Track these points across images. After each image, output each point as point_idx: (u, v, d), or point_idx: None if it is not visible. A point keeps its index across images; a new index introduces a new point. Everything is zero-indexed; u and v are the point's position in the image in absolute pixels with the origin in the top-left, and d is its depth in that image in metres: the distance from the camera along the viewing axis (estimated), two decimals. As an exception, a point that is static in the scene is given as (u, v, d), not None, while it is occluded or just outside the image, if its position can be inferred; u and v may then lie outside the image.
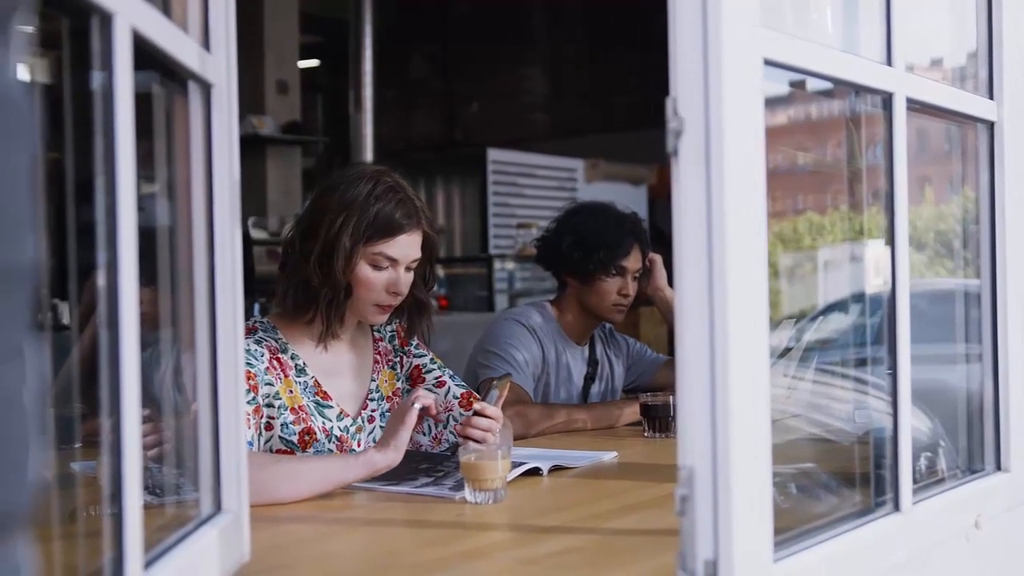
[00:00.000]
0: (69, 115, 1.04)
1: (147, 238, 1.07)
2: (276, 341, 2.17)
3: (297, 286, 2.15)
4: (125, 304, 0.99)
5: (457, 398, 2.30)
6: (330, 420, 2.17)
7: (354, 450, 2.19)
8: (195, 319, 1.33)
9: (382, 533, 1.69)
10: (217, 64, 1.33)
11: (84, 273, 1.06)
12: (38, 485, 0.58)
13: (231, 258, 1.35)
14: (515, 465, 1.99)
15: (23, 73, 0.59)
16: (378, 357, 2.32)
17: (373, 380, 2.30)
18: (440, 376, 2.35)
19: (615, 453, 2.33)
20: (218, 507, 1.34)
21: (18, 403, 0.55)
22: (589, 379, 3.07)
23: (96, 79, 0.98)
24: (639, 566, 1.45)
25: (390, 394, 2.32)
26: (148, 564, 1.06)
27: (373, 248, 2.13)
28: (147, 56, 1.09)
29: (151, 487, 1.28)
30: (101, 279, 0.98)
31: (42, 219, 0.59)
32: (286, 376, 2.15)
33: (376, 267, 2.14)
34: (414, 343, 2.38)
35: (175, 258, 1.33)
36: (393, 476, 2.00)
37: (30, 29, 0.61)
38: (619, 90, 9.33)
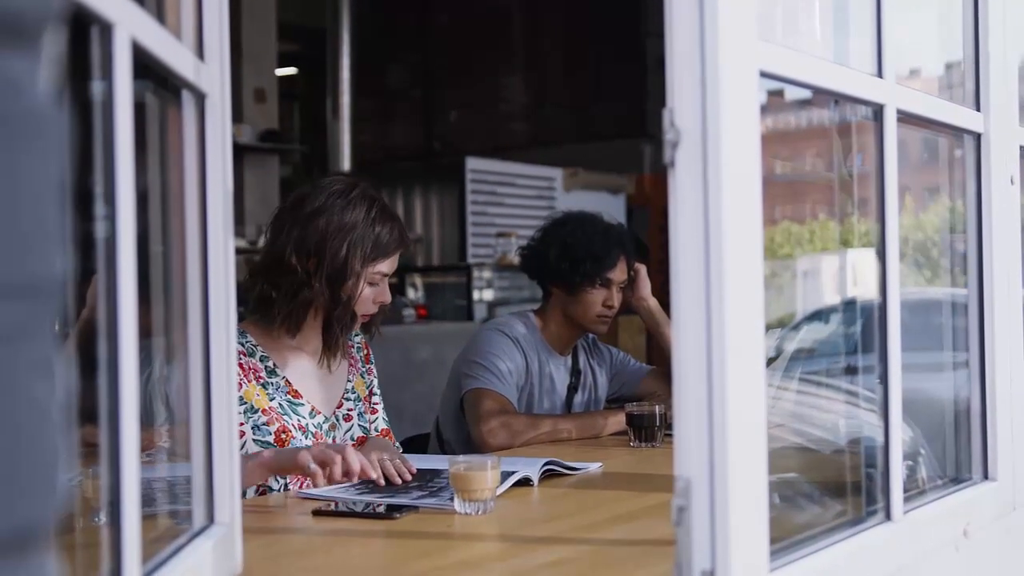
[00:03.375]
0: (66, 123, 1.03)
1: (139, 247, 1.06)
2: (243, 344, 2.21)
3: (302, 306, 2.21)
4: (123, 313, 0.98)
5: (378, 431, 2.40)
6: (304, 417, 2.23)
7: None
8: (188, 329, 1.32)
9: (373, 544, 1.68)
10: (211, 74, 1.32)
11: (79, 284, 1.06)
12: (65, 498, 0.58)
13: (224, 268, 1.34)
14: (505, 476, 1.99)
15: (53, 85, 0.59)
16: (352, 360, 2.41)
17: (349, 381, 2.38)
18: (378, 403, 2.47)
19: (600, 464, 2.33)
20: (211, 519, 1.33)
21: (48, 416, 0.55)
22: (572, 389, 3.06)
23: (95, 88, 0.98)
24: (633, 577, 1.45)
25: (364, 396, 2.41)
26: (144, 577, 1.05)
27: (374, 268, 2.24)
28: (141, 65, 1.09)
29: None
30: (100, 289, 0.98)
31: (75, 227, 0.59)
32: (251, 381, 2.19)
33: (372, 284, 2.25)
34: (372, 362, 2.48)
35: (167, 268, 1.33)
36: (387, 489, 1.99)
37: (60, 43, 0.61)
38: (598, 100, 9.36)
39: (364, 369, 2.44)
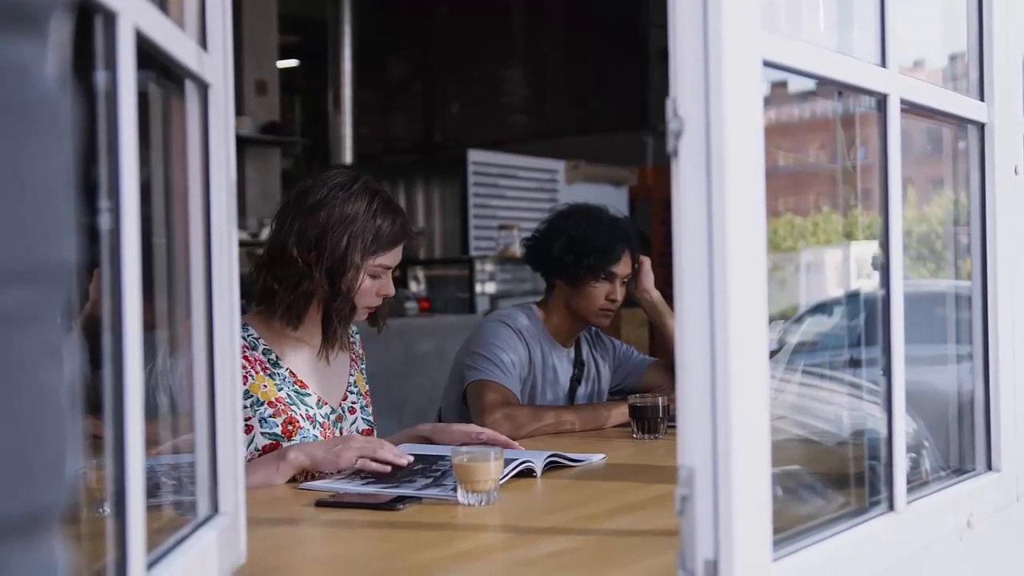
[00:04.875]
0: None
1: (142, 239, 1.06)
2: (245, 339, 2.22)
3: (302, 298, 2.22)
4: (128, 304, 0.98)
5: (359, 432, 2.38)
6: (311, 407, 2.25)
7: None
8: (192, 320, 1.32)
9: (377, 535, 1.68)
10: (215, 64, 1.32)
11: (82, 277, 1.06)
12: (74, 483, 0.58)
13: (228, 259, 1.34)
14: (507, 462, 1.99)
15: (60, 72, 0.59)
16: (354, 355, 2.43)
17: (351, 375, 2.40)
18: (366, 403, 2.46)
19: (604, 455, 2.33)
20: (215, 509, 1.33)
21: (56, 401, 0.55)
22: (576, 381, 3.07)
23: (99, 77, 0.98)
24: (637, 566, 1.45)
25: (364, 391, 2.43)
26: (149, 566, 1.06)
27: (375, 261, 2.24)
28: (144, 54, 1.09)
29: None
30: (104, 280, 0.98)
31: (79, 219, 0.59)
32: (258, 373, 2.21)
33: (373, 277, 2.25)
34: (364, 362, 2.50)
35: (171, 259, 1.33)
36: (390, 479, 1.99)
37: (68, 26, 0.61)
38: (600, 92, 9.36)
39: (362, 366, 2.47)
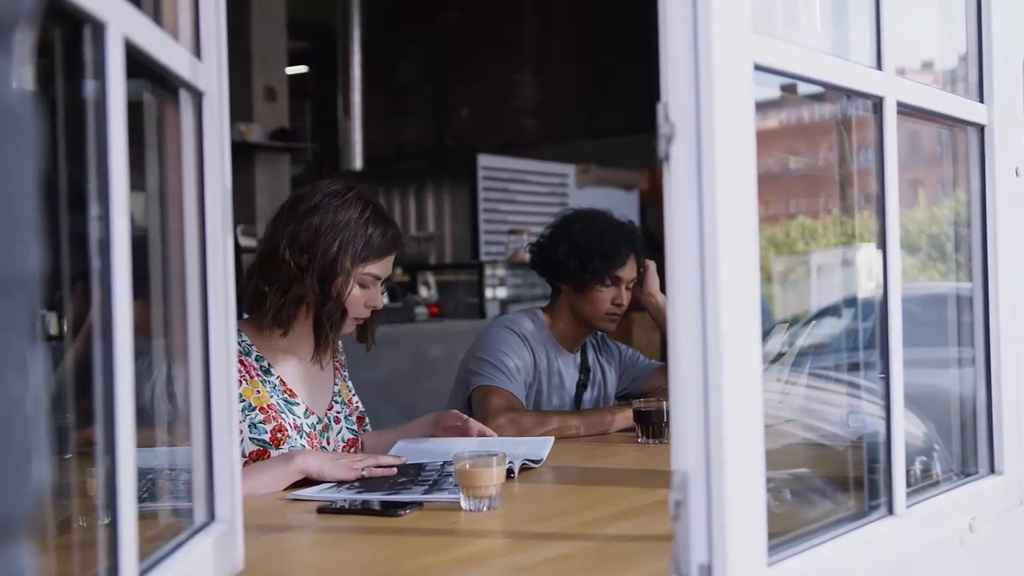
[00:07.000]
0: (60, 123, 1.03)
1: (137, 248, 1.06)
2: (239, 344, 2.23)
3: (293, 302, 2.23)
4: (118, 314, 0.98)
5: (344, 441, 2.39)
6: (299, 417, 2.27)
7: (324, 447, 2.31)
8: (187, 329, 1.33)
9: (376, 541, 1.68)
10: (208, 72, 1.32)
11: (74, 283, 1.06)
12: (41, 491, 0.58)
13: (223, 267, 1.35)
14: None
15: (26, 82, 0.59)
16: (337, 365, 2.45)
17: (335, 384, 2.42)
18: (349, 412, 2.45)
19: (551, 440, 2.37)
20: (212, 516, 1.33)
21: (21, 410, 0.56)
22: (582, 386, 3.06)
23: (88, 87, 0.98)
24: (634, 571, 1.45)
25: (348, 400, 2.45)
26: (142, 573, 1.06)
27: (364, 269, 2.26)
28: (137, 64, 1.09)
29: (142, 496, 1.27)
30: (94, 289, 0.98)
31: (44, 229, 0.59)
32: (252, 378, 2.23)
33: (362, 286, 2.27)
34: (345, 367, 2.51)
35: (166, 268, 1.33)
36: (380, 488, 1.99)
37: (32, 38, 0.61)
38: (610, 95, 9.35)
39: (345, 375, 2.49)
